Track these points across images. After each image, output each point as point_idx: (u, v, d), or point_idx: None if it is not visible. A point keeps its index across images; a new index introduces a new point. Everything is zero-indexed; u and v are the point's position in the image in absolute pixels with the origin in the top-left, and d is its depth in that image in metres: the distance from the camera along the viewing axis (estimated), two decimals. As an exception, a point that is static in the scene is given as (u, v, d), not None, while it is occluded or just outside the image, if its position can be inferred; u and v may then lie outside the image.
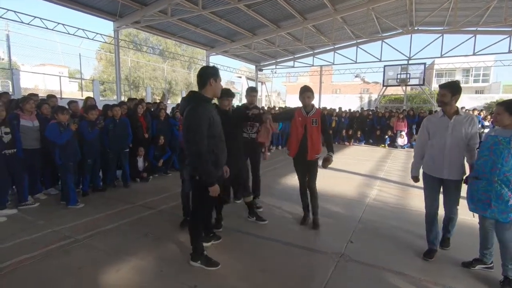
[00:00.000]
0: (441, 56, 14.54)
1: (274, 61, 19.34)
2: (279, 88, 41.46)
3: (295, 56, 18.40)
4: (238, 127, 3.45)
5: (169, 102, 17.91)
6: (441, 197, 2.80)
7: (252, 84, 21.64)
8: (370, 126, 12.22)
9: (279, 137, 10.50)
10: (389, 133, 11.52)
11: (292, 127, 3.53)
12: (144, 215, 3.80)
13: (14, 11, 8.87)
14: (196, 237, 2.60)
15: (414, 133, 11.07)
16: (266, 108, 11.47)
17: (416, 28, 13.88)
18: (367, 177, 6.27)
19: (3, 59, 23.59)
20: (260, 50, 15.94)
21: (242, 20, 12.31)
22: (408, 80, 15.02)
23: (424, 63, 15.07)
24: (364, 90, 29.91)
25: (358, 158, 8.83)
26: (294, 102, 25.02)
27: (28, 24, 9.22)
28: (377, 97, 20.61)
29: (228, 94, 3.26)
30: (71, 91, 22.07)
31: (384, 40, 15.22)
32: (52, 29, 9.85)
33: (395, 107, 16.47)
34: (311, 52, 17.77)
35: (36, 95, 5.02)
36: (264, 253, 2.88)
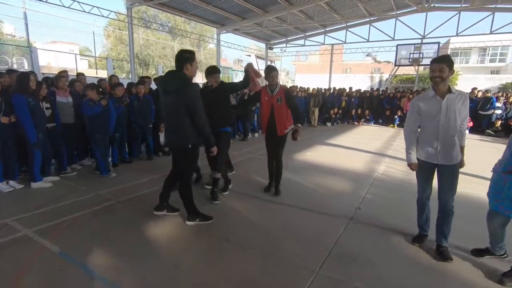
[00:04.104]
0: (457, 35, 14.20)
1: (284, 39, 19.11)
2: (288, 67, 40.87)
3: (306, 34, 18.15)
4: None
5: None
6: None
7: (261, 62, 21.53)
8: (380, 106, 12.32)
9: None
10: (399, 113, 11.62)
11: (261, 107, 3.78)
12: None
13: (32, -11, 9.03)
14: (189, 200, 2.96)
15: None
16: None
17: (432, 5, 13.51)
18: (376, 155, 6.55)
19: (14, 36, 23.83)
20: (271, 28, 15.79)
21: (254, -3, 12.21)
22: (421, 59, 14.83)
23: (438, 42, 14.79)
24: (375, 70, 29.41)
25: (367, 137, 9.08)
26: (303, 81, 24.88)
27: (45, 1, 9.39)
28: (388, 77, 20.37)
29: (213, 71, 3.55)
30: (82, 69, 22.34)
31: (398, 18, 14.87)
32: (68, 7, 10.00)
33: (406, 87, 16.36)
34: (323, 30, 17.50)
35: (66, 71, 5.35)
36: (283, 216, 3.29)
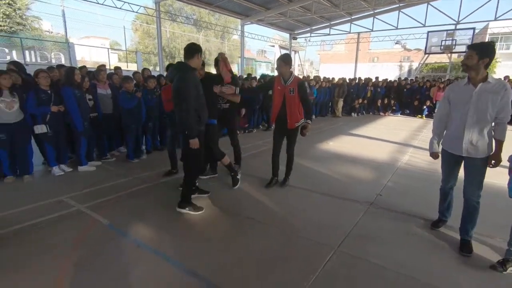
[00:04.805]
0: (495, 19, 13.32)
1: (309, 28, 18.88)
2: (312, 57, 40.22)
3: (331, 23, 17.80)
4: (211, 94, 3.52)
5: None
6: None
7: (284, 53, 21.41)
8: (408, 96, 11.95)
9: (313, 107, 10.73)
10: (428, 103, 11.24)
11: (273, 96, 3.61)
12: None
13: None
14: (187, 187, 3.10)
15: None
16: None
17: (468, -12, 12.75)
18: (400, 145, 6.50)
19: (51, 32, 25.37)
20: (295, 17, 15.65)
21: (278, -13, 12.18)
22: (453, 47, 14.10)
23: (474, 28, 13.95)
24: (404, 58, 28.20)
25: (393, 128, 8.94)
26: (327, 71, 24.45)
27: (82, -1, 10.00)
28: (418, 65, 19.53)
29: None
30: (113, 62, 23.42)
31: (430, 3, 14.17)
32: (102, 4, 10.58)
33: (437, 76, 15.65)
34: (349, 18, 17.07)
35: (104, 65, 5.79)
36: (305, 200, 3.48)
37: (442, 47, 14.33)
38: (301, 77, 13.64)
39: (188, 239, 2.59)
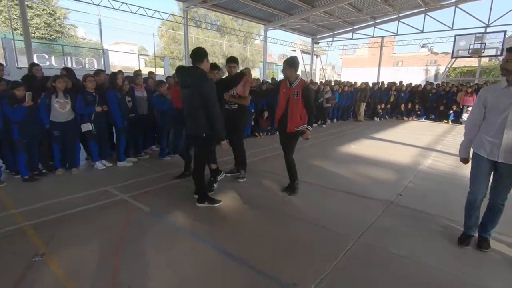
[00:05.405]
0: (529, 22, 12.81)
1: (331, 33, 18.92)
2: (334, 61, 39.96)
3: (354, 27, 17.77)
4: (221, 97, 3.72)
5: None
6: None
7: (306, 57, 21.55)
8: (433, 101, 11.72)
9: (335, 111, 10.82)
10: (454, 108, 10.99)
11: (278, 99, 3.61)
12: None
13: (107, -1, 10.42)
14: (200, 184, 3.30)
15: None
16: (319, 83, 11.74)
17: (498, -10, 12.37)
18: (423, 149, 6.50)
19: (85, 39, 27.07)
20: (318, 22, 15.80)
21: (301, -7, 12.43)
22: (482, 50, 13.66)
23: (505, 31, 13.45)
24: (431, 62, 27.42)
25: (416, 132, 8.86)
26: (350, 75, 24.28)
27: (117, 9, 10.76)
28: (444, 69, 19.00)
29: (214, 67, 3.78)
30: (141, 67, 24.55)
31: (458, 6, 13.85)
32: (135, 12, 11.31)
33: (466, 81, 15.18)
34: (372, 22, 16.97)
35: (140, 70, 6.28)
36: (327, 197, 3.68)
37: (470, 51, 13.92)
38: (322, 81, 13.75)
39: (220, 224, 2.88)
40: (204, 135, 3.07)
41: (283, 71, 3.50)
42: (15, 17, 17.61)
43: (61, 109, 4.19)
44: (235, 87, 3.89)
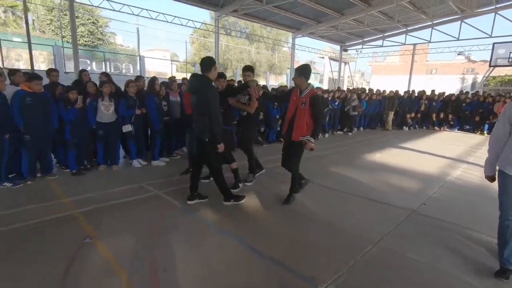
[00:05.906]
0: None
1: (361, 40, 18.72)
2: (363, 68, 39.18)
3: (385, 34, 17.44)
4: (224, 103, 3.84)
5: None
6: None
7: (334, 64, 21.43)
8: (468, 111, 11.23)
9: (362, 119, 10.72)
10: (491, 118, 10.46)
11: (289, 106, 3.57)
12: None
13: (146, 9, 11.19)
14: (222, 184, 3.45)
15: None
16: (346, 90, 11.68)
17: (544, -5, 11.67)
18: (453, 160, 6.32)
19: (122, 46, 28.88)
20: (347, 30, 15.75)
21: (330, 1, 12.51)
22: (524, 59, 12.90)
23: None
24: (468, 70, 26.08)
25: (447, 143, 8.59)
26: (379, 83, 23.74)
27: (155, 19, 11.51)
28: (482, 78, 18.05)
29: (221, 76, 3.95)
30: (173, 72, 25.67)
31: (498, 12, 13.20)
32: (171, 22, 12.02)
33: (506, 90, 14.35)
34: (404, 29, 16.59)
35: (174, 77, 6.74)
36: (348, 202, 3.78)
37: (510, 60, 13.18)
38: (350, 88, 13.64)
39: (246, 222, 3.11)
40: (207, 139, 3.19)
41: (293, 79, 3.53)
42: (63, 26, 19.28)
43: (106, 111, 4.65)
44: (241, 95, 4.07)
